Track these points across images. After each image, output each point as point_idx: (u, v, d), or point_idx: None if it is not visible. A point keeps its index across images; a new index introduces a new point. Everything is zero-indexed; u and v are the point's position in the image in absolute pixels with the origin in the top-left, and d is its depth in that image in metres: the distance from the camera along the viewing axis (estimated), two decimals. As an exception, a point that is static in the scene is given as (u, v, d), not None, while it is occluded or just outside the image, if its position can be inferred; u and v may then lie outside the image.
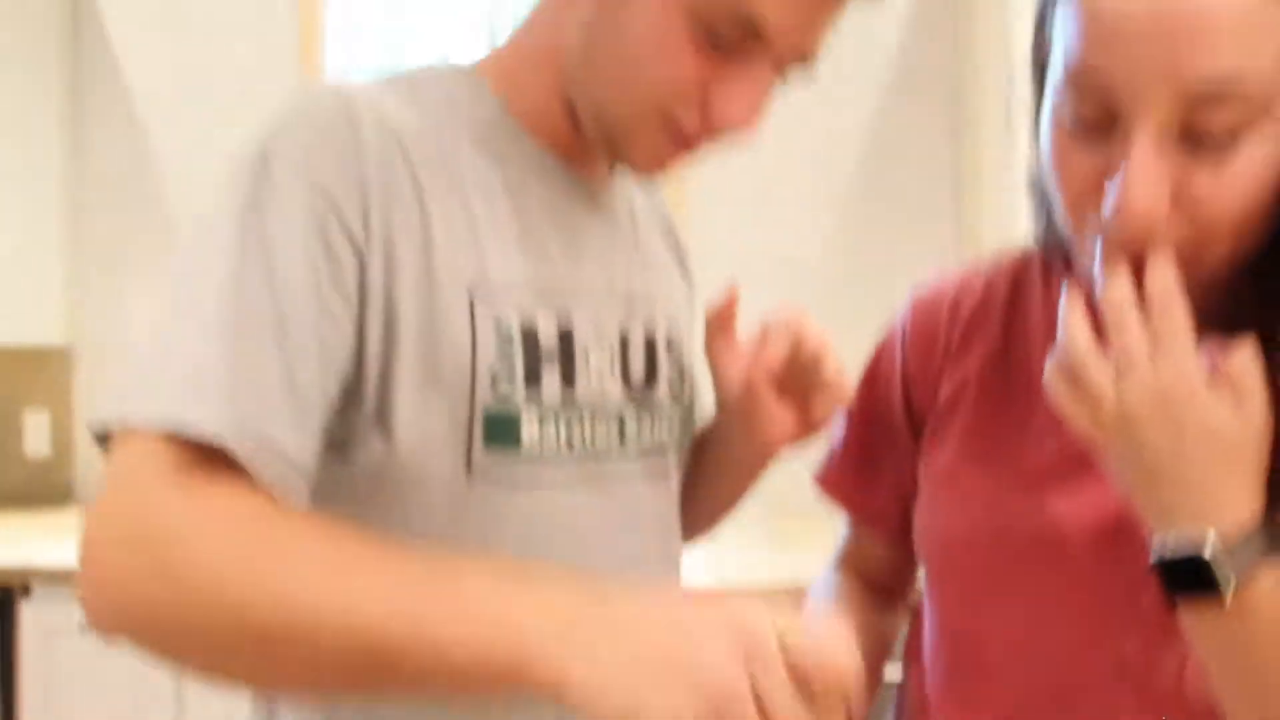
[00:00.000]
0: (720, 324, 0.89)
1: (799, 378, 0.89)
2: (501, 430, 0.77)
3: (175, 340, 0.68)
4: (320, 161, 0.72)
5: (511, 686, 0.58)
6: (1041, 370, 0.71)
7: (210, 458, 0.64)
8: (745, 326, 0.90)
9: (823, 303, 2.70)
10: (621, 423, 0.86)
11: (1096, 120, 0.66)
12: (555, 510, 0.81)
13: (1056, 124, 0.70)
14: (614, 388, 0.86)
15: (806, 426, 0.91)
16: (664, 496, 0.91)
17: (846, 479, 0.99)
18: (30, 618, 2.13)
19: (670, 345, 0.93)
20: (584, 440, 0.82)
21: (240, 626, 0.61)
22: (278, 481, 0.66)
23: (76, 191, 2.96)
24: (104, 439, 0.68)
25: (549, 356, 0.80)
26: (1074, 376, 0.66)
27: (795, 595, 1.04)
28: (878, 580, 1.00)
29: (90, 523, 0.64)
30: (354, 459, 0.76)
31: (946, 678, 0.86)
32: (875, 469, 0.96)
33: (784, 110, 2.36)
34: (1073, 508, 0.78)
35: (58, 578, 2.10)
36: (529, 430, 0.79)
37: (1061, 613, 0.78)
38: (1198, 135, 0.63)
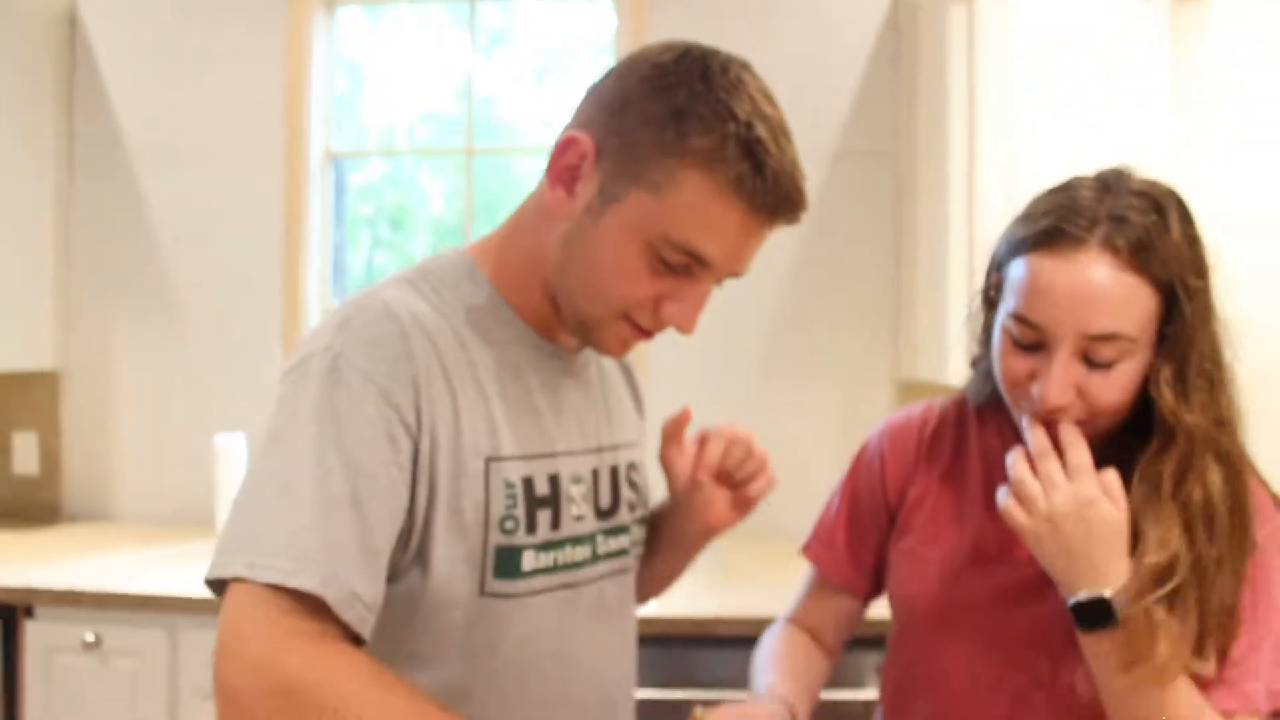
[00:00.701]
0: (672, 434, 1.16)
1: (733, 473, 1.16)
2: (508, 562, 1.02)
3: (278, 514, 0.88)
4: (380, 369, 0.94)
5: None
6: (976, 486, 1.20)
7: (307, 603, 0.86)
8: (695, 411, 1.18)
9: (766, 354, 2.93)
10: (593, 540, 1.12)
11: (1031, 343, 1.07)
12: (543, 612, 1.06)
13: (1005, 337, 1.10)
14: (588, 517, 1.11)
15: (739, 512, 1.19)
16: (623, 585, 1.18)
17: (835, 554, 1.33)
18: (34, 636, 2.26)
19: (629, 474, 1.19)
20: (566, 561, 1.08)
21: None
22: (356, 622, 0.88)
23: (68, 227, 3.10)
24: (216, 585, 0.88)
25: (542, 504, 1.05)
26: (1018, 493, 1.06)
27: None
28: (819, 636, 1.36)
29: (227, 666, 0.84)
30: (398, 585, 0.99)
31: (899, 696, 1.26)
32: (859, 547, 1.32)
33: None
34: (992, 580, 1.17)
35: (61, 598, 2.24)
36: (528, 559, 1.03)
37: (991, 648, 1.16)
38: (1092, 360, 1.04)
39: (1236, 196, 2.26)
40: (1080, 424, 1.07)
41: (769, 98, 0.99)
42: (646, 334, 1.04)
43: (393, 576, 0.98)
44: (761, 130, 0.94)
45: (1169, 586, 1.02)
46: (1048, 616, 1.11)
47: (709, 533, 1.21)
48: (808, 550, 1.36)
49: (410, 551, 0.98)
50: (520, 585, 1.03)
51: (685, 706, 1.02)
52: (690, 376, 2.86)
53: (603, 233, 0.99)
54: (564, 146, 1.01)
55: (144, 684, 2.24)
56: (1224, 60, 2.30)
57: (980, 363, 1.23)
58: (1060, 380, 1.04)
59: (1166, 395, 1.04)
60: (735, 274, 1.02)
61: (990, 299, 1.17)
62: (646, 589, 1.29)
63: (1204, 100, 2.35)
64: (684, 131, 0.94)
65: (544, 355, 1.10)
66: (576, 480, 1.09)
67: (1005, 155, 2.37)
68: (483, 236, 1.14)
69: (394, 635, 0.99)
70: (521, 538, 1.02)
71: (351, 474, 0.90)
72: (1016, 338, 1.08)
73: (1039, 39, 2.37)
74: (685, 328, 1.02)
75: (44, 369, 3.05)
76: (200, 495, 2.90)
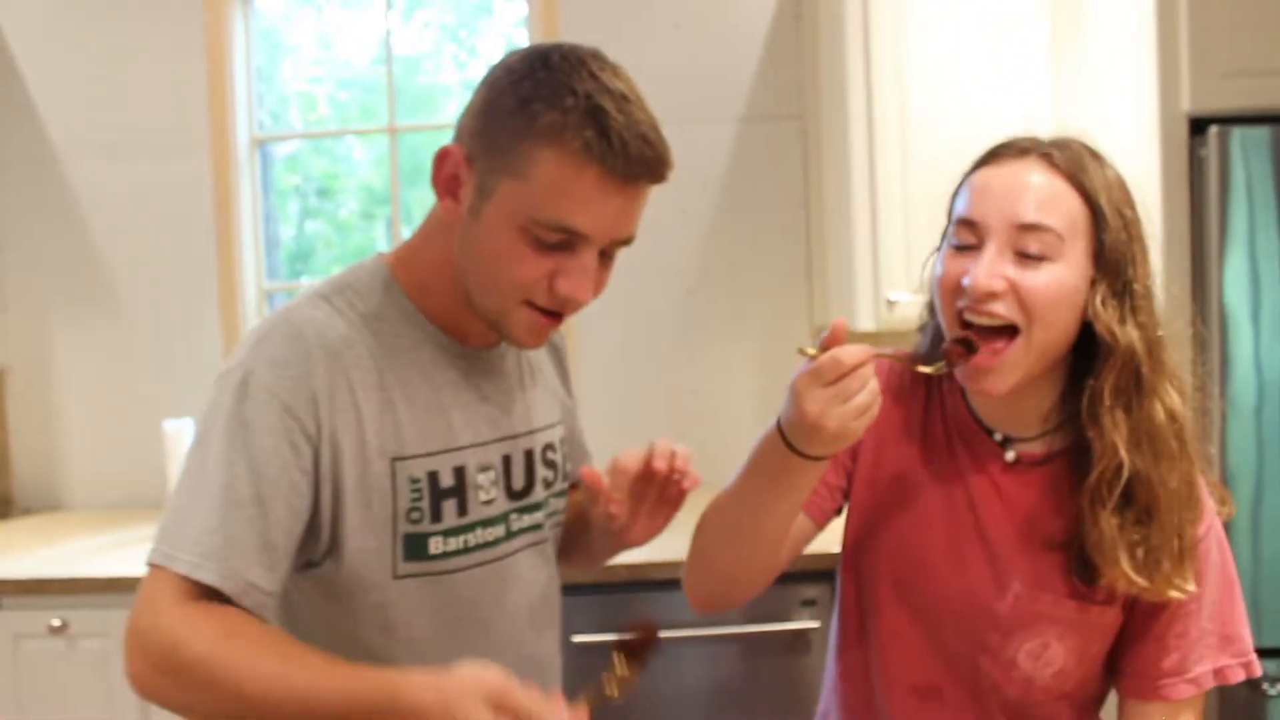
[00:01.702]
0: (593, 498, 1.22)
1: (649, 488, 1.22)
2: (415, 547, 1.15)
3: (190, 514, 1.04)
4: (283, 385, 1.07)
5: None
6: (940, 449, 1.23)
7: (210, 593, 1.01)
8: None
9: (687, 313, 3.07)
10: (506, 520, 1.23)
11: (969, 243, 1.13)
12: (457, 590, 1.17)
13: (946, 249, 1.16)
14: (499, 499, 1.22)
15: (651, 530, 1.25)
16: (540, 554, 1.28)
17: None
18: (0, 626, 2.35)
19: (545, 454, 1.29)
20: (477, 542, 1.19)
21: (221, 703, 0.98)
22: (255, 608, 1.03)
23: (-2, 224, 3.13)
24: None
25: (447, 494, 1.16)
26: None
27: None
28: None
29: (127, 633, 1.00)
30: (316, 575, 1.13)
31: (847, 639, 1.30)
32: (828, 475, 1.26)
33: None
34: (948, 544, 1.21)
35: (24, 586, 2.33)
36: (435, 544, 1.15)
37: (941, 612, 1.21)
38: (1021, 253, 1.09)
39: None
40: (1029, 348, 1.10)
41: (615, 73, 1.07)
42: (553, 316, 1.13)
43: (311, 564, 1.12)
44: (603, 100, 1.03)
45: (1115, 492, 1.09)
46: (998, 592, 1.17)
47: (628, 547, 1.30)
48: None
49: (323, 544, 1.11)
50: (430, 566, 1.15)
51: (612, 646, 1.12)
52: (613, 341, 3.00)
53: (484, 228, 1.08)
54: (440, 160, 1.11)
55: (114, 663, 2.33)
56: (1102, 23, 2.44)
57: (926, 326, 1.27)
58: (990, 264, 1.09)
59: (1102, 312, 1.09)
60: (620, 240, 1.10)
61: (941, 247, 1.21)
62: (574, 566, 1.43)
63: (1082, 57, 2.50)
64: (532, 114, 1.03)
65: (452, 355, 1.20)
66: (484, 469, 1.20)
67: (900, 113, 2.51)
68: (403, 242, 1.24)
69: (319, 614, 1.14)
70: (427, 526, 1.14)
71: (255, 478, 1.04)
72: (956, 243, 1.14)
73: (929, 3, 2.51)
74: (581, 297, 1.09)
75: (-15, 366, 3.09)
76: (151, 480, 2.99)
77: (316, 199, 3.45)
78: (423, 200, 3.34)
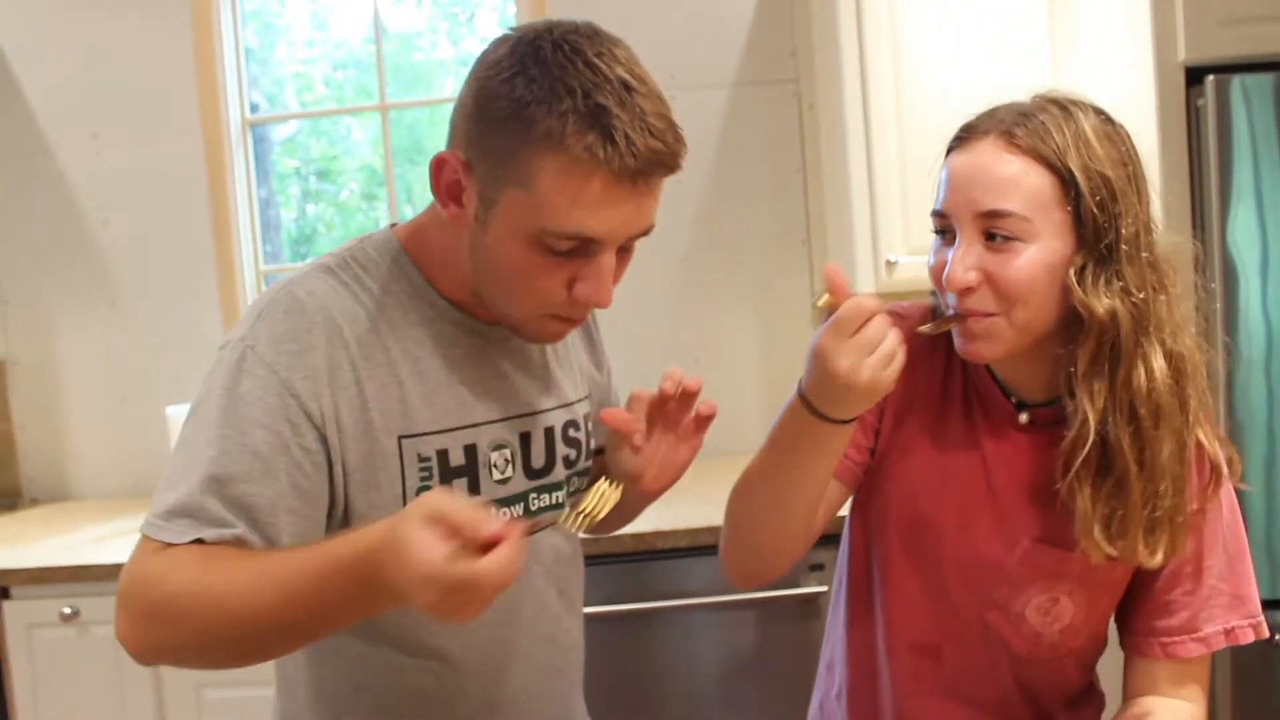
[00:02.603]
0: (618, 440, 1.17)
1: (665, 422, 1.18)
2: None
3: (180, 484, 0.99)
4: (282, 360, 1.03)
5: (364, 583, 0.87)
6: (957, 411, 1.21)
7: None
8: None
9: (686, 282, 3.06)
10: (525, 499, 1.19)
11: (947, 236, 1.12)
12: None
13: (934, 241, 1.15)
14: (518, 478, 1.18)
15: (669, 472, 1.20)
16: (558, 536, 1.24)
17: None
18: (12, 615, 2.36)
19: (566, 432, 1.24)
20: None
21: (211, 627, 0.92)
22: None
23: (-5, 215, 3.12)
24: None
25: (458, 473, 1.12)
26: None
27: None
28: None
29: (115, 604, 0.96)
30: None
31: (856, 601, 1.30)
32: (857, 436, 1.23)
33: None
34: (959, 501, 1.20)
35: (35, 575, 2.34)
36: None
37: (951, 567, 1.20)
38: (991, 239, 1.07)
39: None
40: (1013, 330, 1.09)
41: (614, 56, 0.99)
42: (571, 323, 1.10)
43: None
44: (602, 96, 0.95)
45: (1082, 459, 1.08)
46: (1008, 548, 1.17)
47: (647, 497, 1.25)
48: None
49: (337, 517, 1.07)
50: None
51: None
52: (611, 312, 2.88)
53: (492, 240, 1.03)
54: (437, 168, 1.06)
55: (119, 649, 2.35)
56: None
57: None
58: (961, 259, 1.08)
59: (1076, 286, 1.06)
60: (636, 236, 1.04)
61: None
62: (599, 530, 1.39)
63: (1078, 11, 2.47)
64: (528, 120, 0.96)
65: (465, 331, 1.15)
66: (498, 447, 1.15)
67: (894, 73, 2.49)
68: (414, 217, 1.19)
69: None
70: None
71: (247, 455, 0.99)
72: (938, 233, 1.14)
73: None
74: (602, 302, 1.05)
75: (-12, 358, 3.10)
76: (156, 467, 2.95)
77: (317, 181, 3.43)
78: (421, 177, 3.33)
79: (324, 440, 1.04)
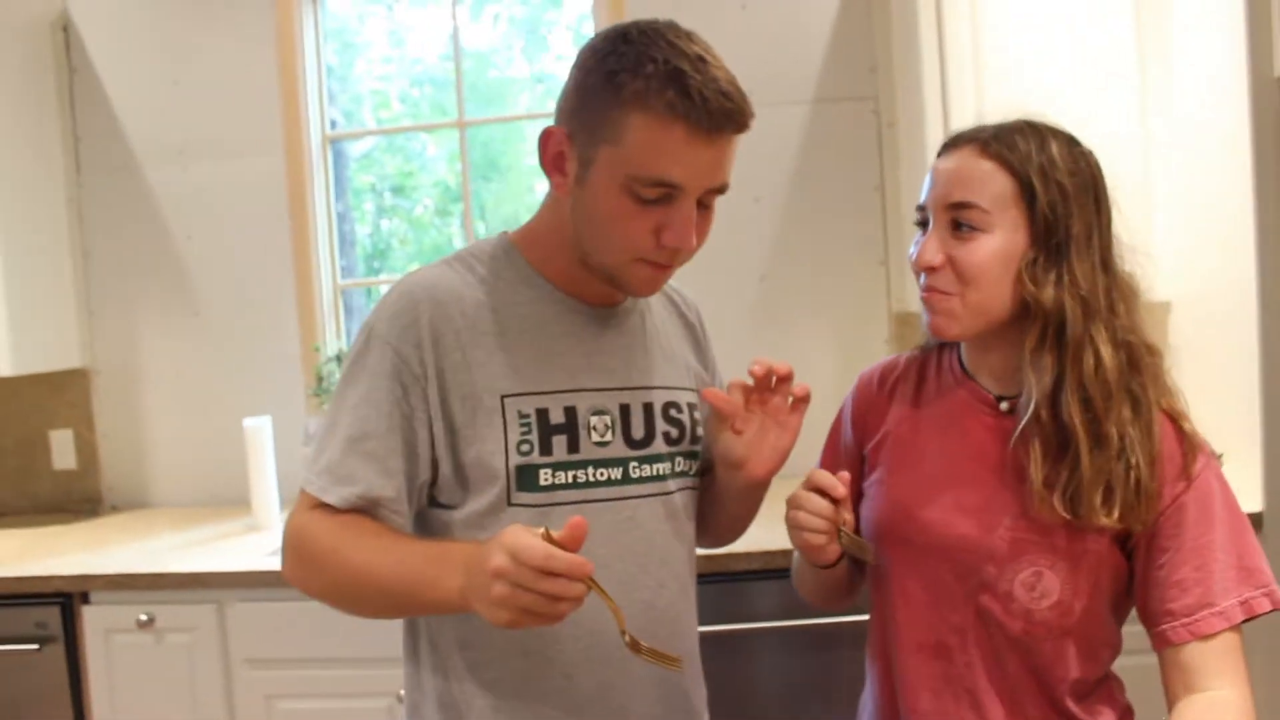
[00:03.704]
0: (720, 418, 1.29)
1: (760, 405, 1.30)
2: (527, 479, 1.24)
3: (324, 448, 1.24)
4: (394, 332, 1.23)
5: (443, 594, 1.11)
6: (932, 415, 1.34)
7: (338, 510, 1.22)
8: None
9: (763, 301, 3.03)
10: (625, 464, 1.29)
11: (925, 228, 1.28)
12: (563, 520, 1.18)
13: (917, 235, 1.30)
14: (618, 444, 1.29)
15: (770, 457, 1.30)
16: (660, 508, 1.33)
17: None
18: (91, 620, 2.41)
19: (666, 411, 1.35)
20: (588, 479, 1.27)
21: (337, 578, 1.19)
22: (386, 519, 1.22)
23: (82, 227, 3.22)
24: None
25: (558, 430, 1.25)
26: None
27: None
28: None
29: (283, 540, 1.24)
30: (443, 501, 1.27)
31: (878, 612, 1.39)
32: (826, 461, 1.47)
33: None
34: (946, 498, 1.29)
35: (114, 582, 2.39)
36: (544, 476, 1.24)
37: (944, 558, 1.28)
38: (956, 228, 1.23)
39: (1195, 164, 2.33)
40: (969, 313, 1.24)
41: (690, 38, 1.17)
42: (664, 267, 1.23)
43: (440, 504, 1.27)
44: (680, 62, 1.13)
45: (1038, 436, 1.21)
46: (991, 526, 1.25)
47: (753, 484, 1.34)
48: None
49: (445, 476, 1.24)
50: (541, 497, 1.24)
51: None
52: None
53: (591, 193, 1.19)
54: (544, 142, 1.23)
55: (198, 656, 2.39)
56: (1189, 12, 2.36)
57: None
58: (931, 242, 1.25)
59: (1025, 276, 1.21)
60: (715, 188, 1.19)
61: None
62: (718, 535, 1.51)
63: (1168, 27, 2.41)
64: (618, 85, 1.14)
65: (568, 310, 1.30)
66: (598, 412, 1.28)
67: (976, 91, 2.44)
68: (525, 222, 1.36)
69: (452, 540, 1.24)
70: (537, 458, 1.23)
71: (373, 415, 1.22)
72: (917, 225, 1.30)
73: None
74: (686, 245, 1.19)
75: (74, 367, 3.17)
76: (234, 478, 3.03)
77: (392, 197, 3.47)
78: (496, 195, 3.35)
79: (425, 397, 1.22)
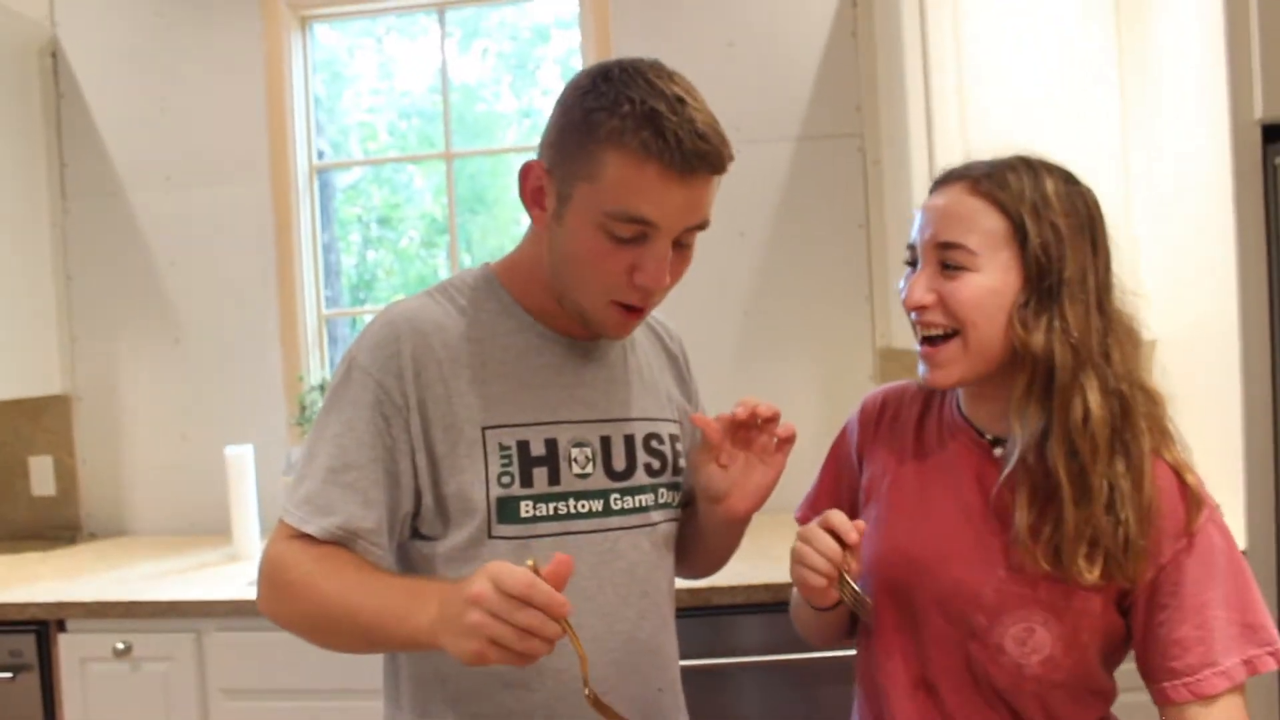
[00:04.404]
0: (705, 449, 1.31)
1: (745, 443, 1.30)
2: (508, 510, 1.23)
3: (303, 479, 1.23)
4: (376, 364, 1.23)
5: (412, 628, 1.08)
6: (933, 457, 1.32)
7: (320, 542, 1.20)
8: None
9: (746, 337, 3.04)
10: (606, 497, 1.29)
11: (915, 267, 1.27)
12: (544, 553, 1.20)
13: (906, 273, 1.28)
14: (599, 476, 1.29)
15: (752, 494, 1.31)
16: (643, 540, 1.32)
17: (807, 511, 1.47)
18: (67, 648, 2.38)
19: (648, 443, 1.34)
20: (569, 511, 1.26)
21: (311, 610, 1.16)
22: (362, 552, 1.20)
23: (65, 253, 3.20)
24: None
25: (538, 462, 1.25)
26: None
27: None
28: None
29: (259, 569, 1.22)
30: (425, 533, 1.26)
31: (866, 652, 1.36)
32: (817, 504, 1.45)
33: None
34: (942, 540, 1.27)
35: (90, 609, 2.36)
36: (525, 508, 1.24)
37: (937, 603, 1.25)
38: (945, 265, 1.21)
39: (1176, 186, 2.36)
40: (952, 341, 1.22)
41: (671, 79, 1.18)
42: (636, 311, 1.23)
43: (423, 536, 1.26)
44: (656, 103, 1.14)
45: (1022, 483, 1.18)
46: (984, 576, 1.21)
47: (733, 519, 1.34)
48: (798, 517, 1.46)
49: (427, 508, 1.24)
50: (522, 529, 1.23)
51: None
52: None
53: (568, 230, 1.20)
54: (524, 175, 1.24)
55: (174, 686, 2.36)
56: (1170, 30, 2.39)
57: None
58: (920, 281, 1.23)
59: (1016, 319, 1.18)
60: (692, 227, 1.19)
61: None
62: (695, 567, 1.50)
63: (1150, 66, 2.44)
64: (595, 123, 1.15)
65: (549, 342, 1.30)
66: (579, 444, 1.28)
67: (961, 129, 2.47)
68: (507, 254, 1.37)
69: (433, 573, 1.24)
70: (518, 490, 1.23)
71: (355, 446, 1.21)
72: (908, 261, 1.28)
73: (990, 11, 2.47)
74: (657, 283, 1.19)
75: (54, 393, 3.15)
76: (214, 507, 3.01)
77: (378, 228, 3.48)
78: (482, 227, 3.36)
79: (407, 428, 1.22)
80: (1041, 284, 1.18)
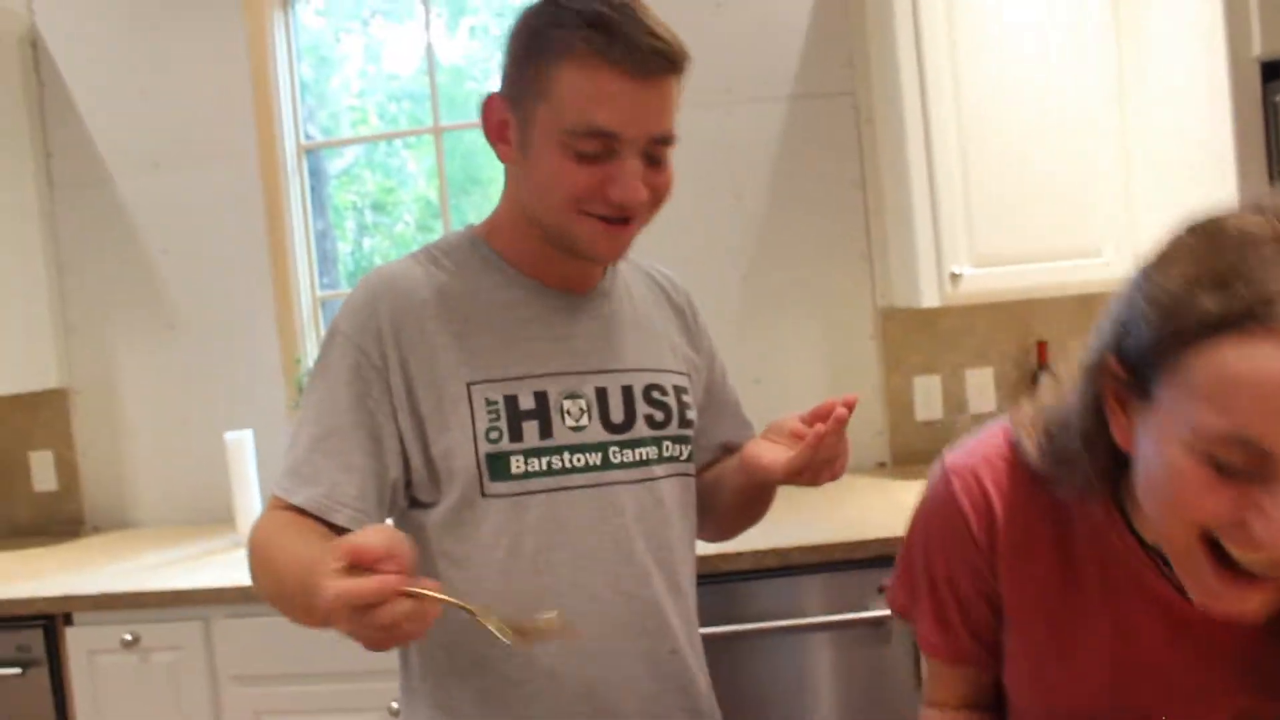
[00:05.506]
0: (771, 442, 1.28)
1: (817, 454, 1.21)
2: (498, 467, 1.21)
3: (291, 450, 1.21)
4: (354, 326, 1.22)
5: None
6: (1094, 593, 0.97)
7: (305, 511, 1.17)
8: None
9: (745, 300, 3.01)
10: (605, 449, 1.26)
11: (1243, 468, 0.76)
12: (540, 509, 1.22)
13: (1193, 464, 0.78)
14: (595, 428, 1.25)
15: (828, 471, 1.23)
16: (645, 495, 1.28)
17: (953, 638, 1.09)
18: (75, 641, 2.37)
19: (648, 394, 1.30)
20: (563, 465, 1.23)
21: (269, 581, 1.12)
22: (346, 521, 1.16)
23: (56, 244, 3.17)
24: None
25: (528, 416, 1.22)
26: None
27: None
28: (977, 702, 1.13)
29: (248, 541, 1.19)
30: (421, 497, 1.24)
31: None
32: (978, 628, 1.07)
33: (702, 125, 2.64)
34: (1124, 690, 0.98)
35: (97, 602, 2.34)
36: (515, 463, 1.21)
37: None
38: None
39: (1173, 129, 2.33)
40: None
41: None
42: (617, 224, 1.19)
43: (418, 492, 1.23)
44: (601, 7, 1.12)
45: None
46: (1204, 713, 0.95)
47: (767, 481, 1.28)
48: (924, 645, 1.13)
49: (418, 471, 1.21)
50: (514, 486, 1.21)
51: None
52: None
53: (535, 156, 1.18)
54: (486, 111, 1.23)
55: (184, 675, 2.35)
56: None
57: (1075, 457, 0.94)
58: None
59: None
60: (655, 137, 1.16)
61: (1119, 393, 0.87)
62: (720, 528, 1.50)
63: (1146, 8, 2.40)
64: (544, 40, 1.15)
65: (536, 295, 1.27)
66: (572, 396, 1.24)
67: (954, 80, 2.43)
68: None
69: (429, 541, 1.23)
70: (506, 445, 1.20)
71: (336, 412, 1.20)
72: (1222, 462, 0.76)
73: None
74: (633, 197, 1.16)
75: (52, 387, 3.13)
76: (216, 494, 2.99)
77: (373, 214, 3.45)
78: (476, 207, 3.32)
79: (389, 389, 1.20)
80: None
